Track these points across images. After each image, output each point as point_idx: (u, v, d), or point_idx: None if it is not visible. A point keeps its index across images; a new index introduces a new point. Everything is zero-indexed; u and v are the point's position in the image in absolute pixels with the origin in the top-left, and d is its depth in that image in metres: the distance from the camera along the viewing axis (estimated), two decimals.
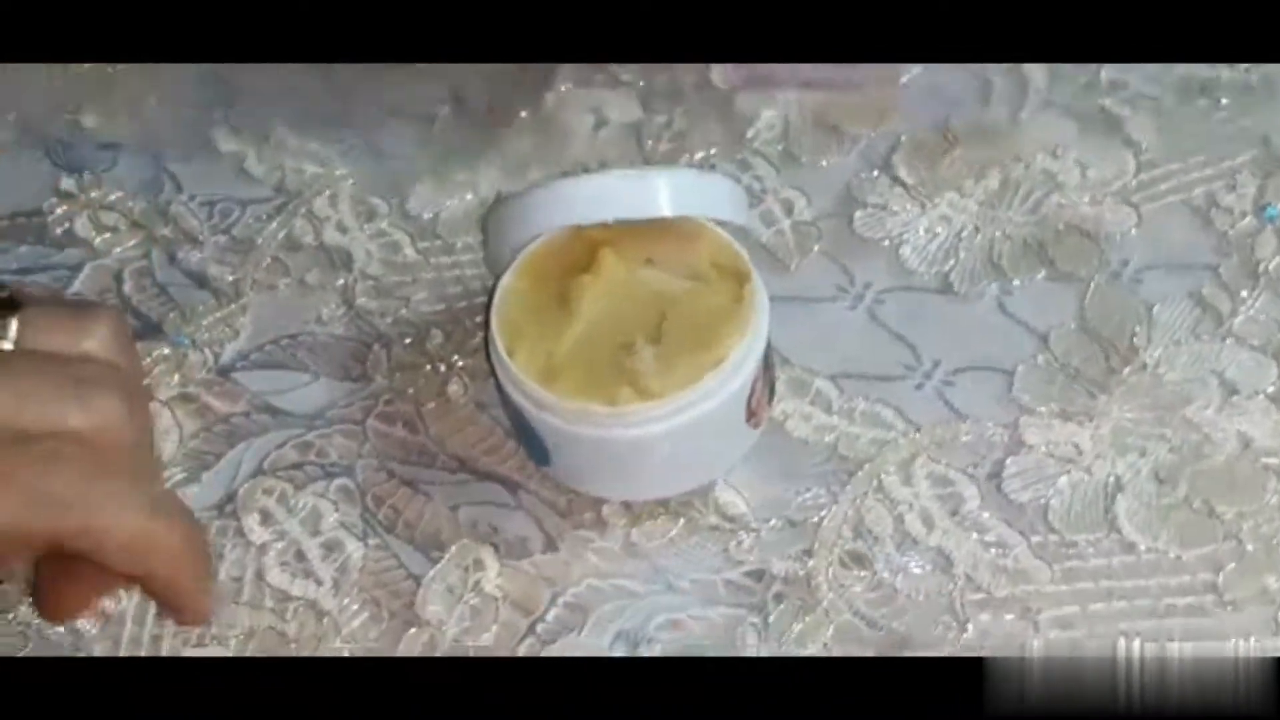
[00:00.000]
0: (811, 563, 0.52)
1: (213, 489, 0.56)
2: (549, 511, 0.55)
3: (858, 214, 0.61)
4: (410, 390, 0.58)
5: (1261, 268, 0.58)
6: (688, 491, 0.54)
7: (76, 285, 0.63)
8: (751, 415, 0.52)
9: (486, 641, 0.52)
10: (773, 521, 0.53)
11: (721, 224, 0.53)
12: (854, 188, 0.62)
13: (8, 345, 0.39)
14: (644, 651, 0.51)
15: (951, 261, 0.59)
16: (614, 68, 0.67)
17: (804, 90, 0.65)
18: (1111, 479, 0.53)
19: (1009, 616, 0.50)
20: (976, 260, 0.59)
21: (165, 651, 0.52)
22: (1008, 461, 0.54)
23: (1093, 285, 0.58)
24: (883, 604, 0.51)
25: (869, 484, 0.54)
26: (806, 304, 0.59)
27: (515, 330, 0.51)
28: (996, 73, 0.64)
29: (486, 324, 0.52)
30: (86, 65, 0.70)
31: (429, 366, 0.59)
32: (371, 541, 0.55)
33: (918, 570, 0.52)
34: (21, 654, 0.53)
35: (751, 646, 0.51)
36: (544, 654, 0.51)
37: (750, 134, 0.64)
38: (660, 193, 0.53)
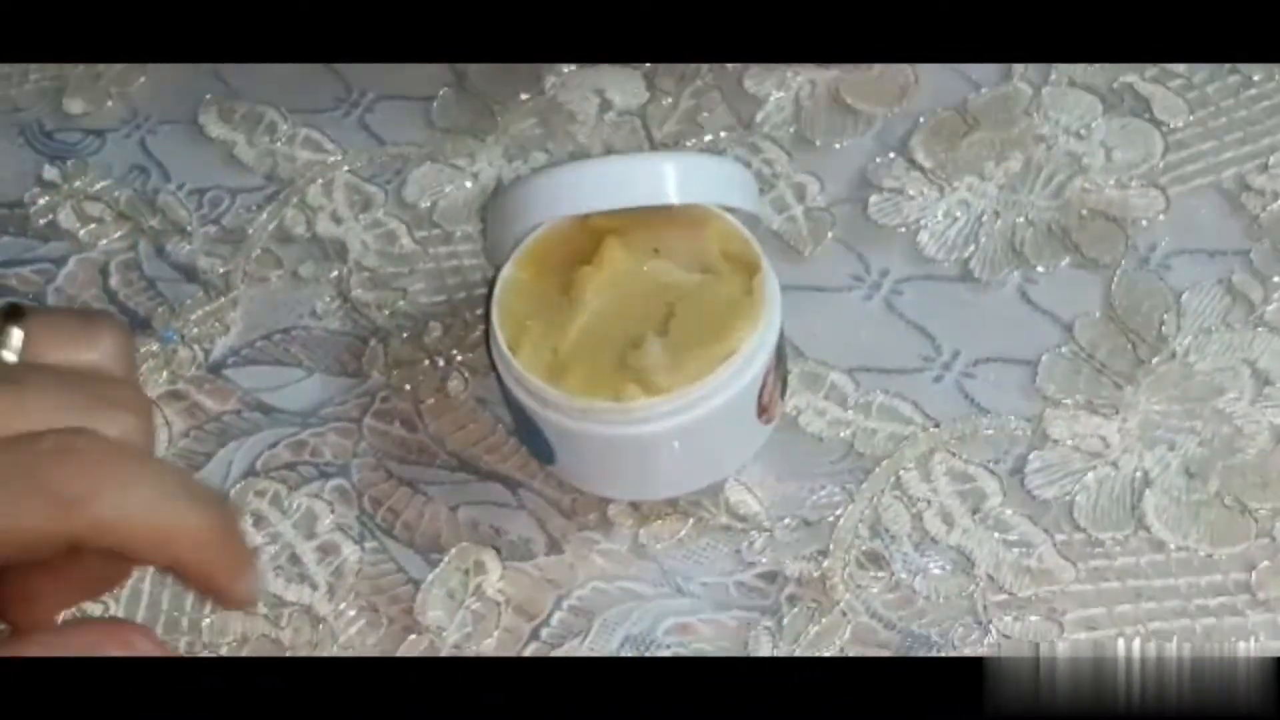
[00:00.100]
0: (826, 564, 0.52)
1: None
2: (553, 512, 0.54)
3: (873, 199, 0.61)
4: (408, 386, 0.58)
5: None
6: (697, 490, 0.54)
7: (60, 280, 0.63)
8: (763, 411, 0.52)
9: (488, 647, 0.52)
10: (786, 521, 0.53)
11: (731, 211, 0.53)
12: (869, 171, 0.62)
13: (12, 357, 0.39)
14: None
15: (971, 248, 0.59)
16: None
17: (817, 67, 0.65)
18: (1139, 474, 0.53)
19: (1033, 618, 0.50)
20: (998, 247, 0.59)
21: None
22: (1031, 456, 0.54)
23: (1119, 272, 0.58)
24: (901, 606, 0.51)
25: (886, 481, 0.54)
26: (820, 294, 0.59)
27: (517, 324, 0.51)
28: None
29: (487, 317, 0.52)
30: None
31: (427, 361, 0.59)
32: (368, 544, 0.55)
33: (937, 571, 0.52)
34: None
35: (764, 651, 0.51)
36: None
37: (760, 116, 0.64)
38: (667, 179, 0.52)
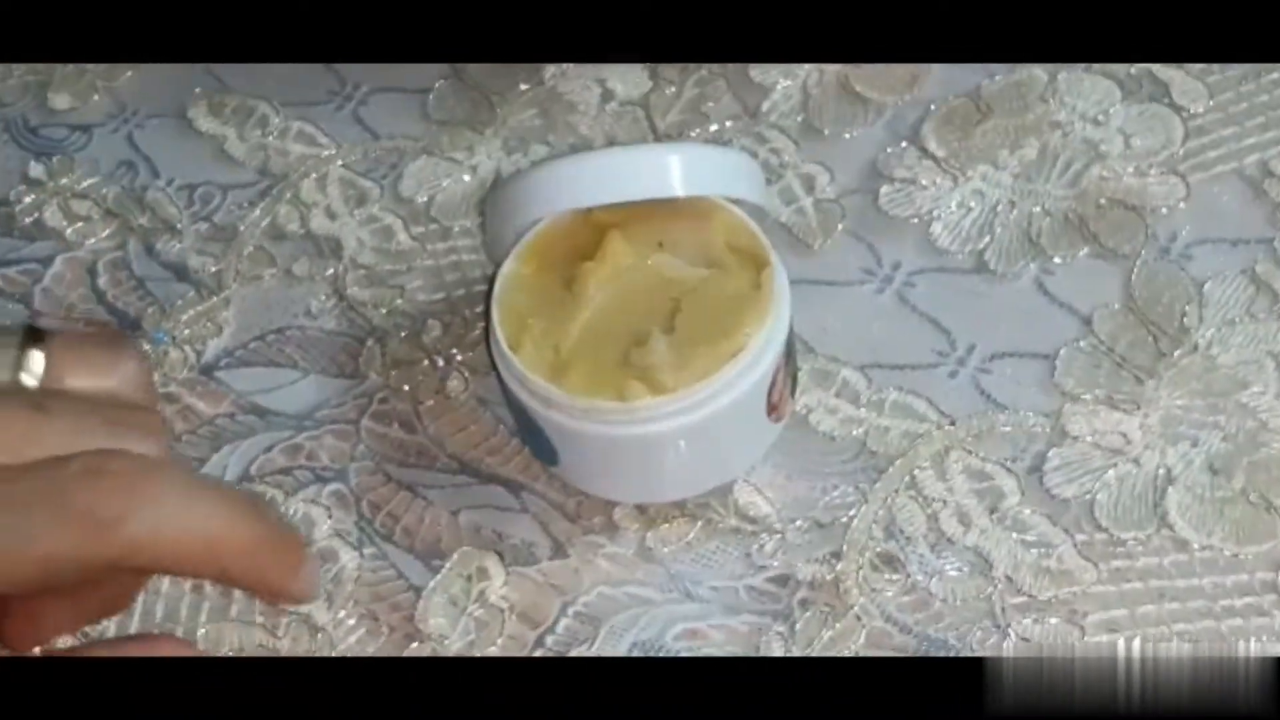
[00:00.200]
0: (840, 566, 0.52)
1: None
2: (557, 515, 0.55)
3: (884, 189, 0.61)
4: (406, 387, 0.58)
5: None
6: (706, 492, 0.54)
7: (47, 280, 0.63)
8: (773, 409, 0.52)
9: (492, 656, 0.52)
10: (798, 523, 0.53)
11: (737, 203, 0.53)
12: (880, 161, 0.62)
13: (32, 381, 0.39)
14: None
15: (986, 239, 0.59)
16: None
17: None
18: (1162, 471, 0.53)
19: (1053, 621, 0.50)
20: (1013, 237, 0.59)
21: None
22: (1050, 454, 0.54)
23: (1139, 262, 0.58)
24: (917, 609, 0.51)
25: (900, 481, 0.54)
26: (830, 288, 0.59)
27: (518, 321, 0.51)
28: None
29: (487, 315, 0.52)
30: None
31: (426, 361, 0.59)
32: (367, 550, 0.55)
33: (954, 573, 0.52)
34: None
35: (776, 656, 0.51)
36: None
37: (767, 105, 0.64)
38: (671, 171, 0.52)
